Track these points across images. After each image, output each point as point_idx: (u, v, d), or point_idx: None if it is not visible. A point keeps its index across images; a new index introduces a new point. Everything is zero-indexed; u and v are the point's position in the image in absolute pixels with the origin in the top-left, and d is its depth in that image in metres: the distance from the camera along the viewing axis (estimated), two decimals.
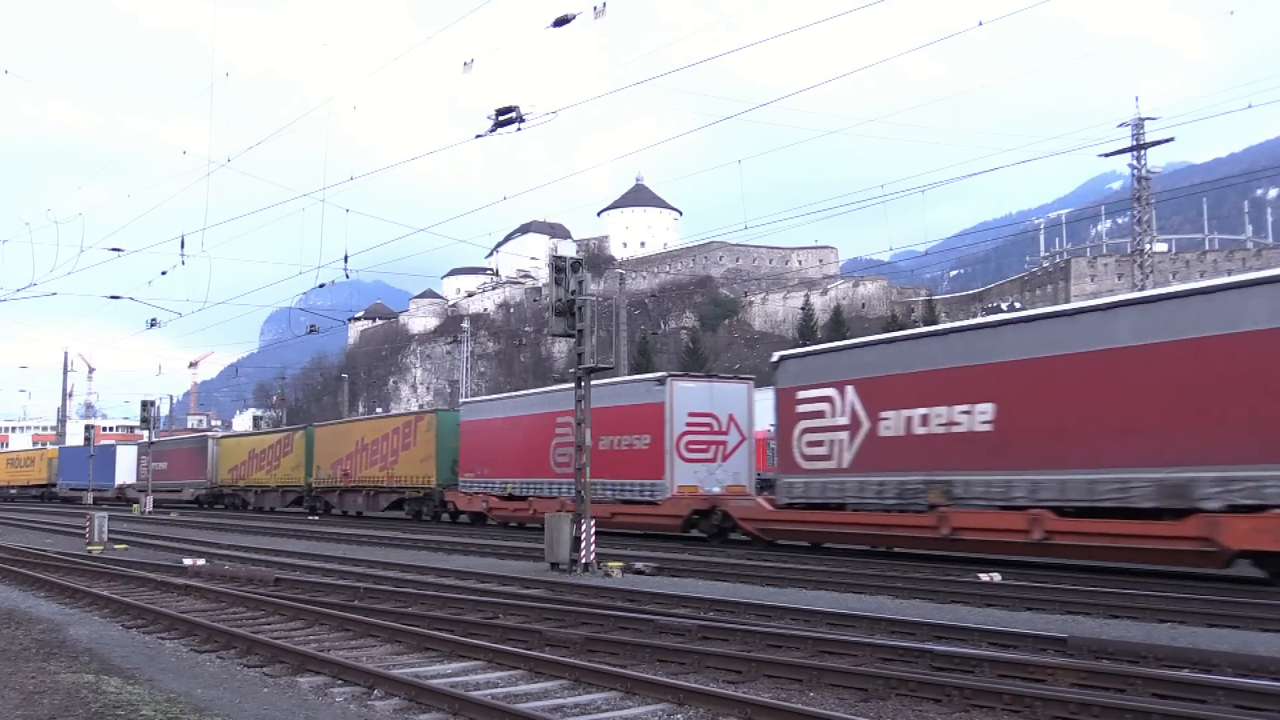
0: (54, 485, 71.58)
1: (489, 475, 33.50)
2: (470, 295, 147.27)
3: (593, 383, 28.38)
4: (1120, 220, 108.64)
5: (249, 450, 53.46)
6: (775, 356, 24.41)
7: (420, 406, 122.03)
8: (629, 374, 47.72)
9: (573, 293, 19.26)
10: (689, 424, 26.32)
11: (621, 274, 59.68)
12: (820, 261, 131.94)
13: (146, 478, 59.63)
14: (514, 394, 36.62)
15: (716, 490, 25.78)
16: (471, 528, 35.01)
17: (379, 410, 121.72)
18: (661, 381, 26.95)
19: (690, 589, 15.52)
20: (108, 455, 65.59)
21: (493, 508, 33.35)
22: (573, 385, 20.88)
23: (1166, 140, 46.73)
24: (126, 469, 64.38)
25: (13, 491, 78.38)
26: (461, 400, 40.21)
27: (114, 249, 29.46)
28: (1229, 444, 15.01)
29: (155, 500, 56.28)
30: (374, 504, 41.78)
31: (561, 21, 15.69)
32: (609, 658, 10.06)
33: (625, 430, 27.49)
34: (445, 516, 38.06)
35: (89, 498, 64.66)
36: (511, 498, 32.18)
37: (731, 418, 26.73)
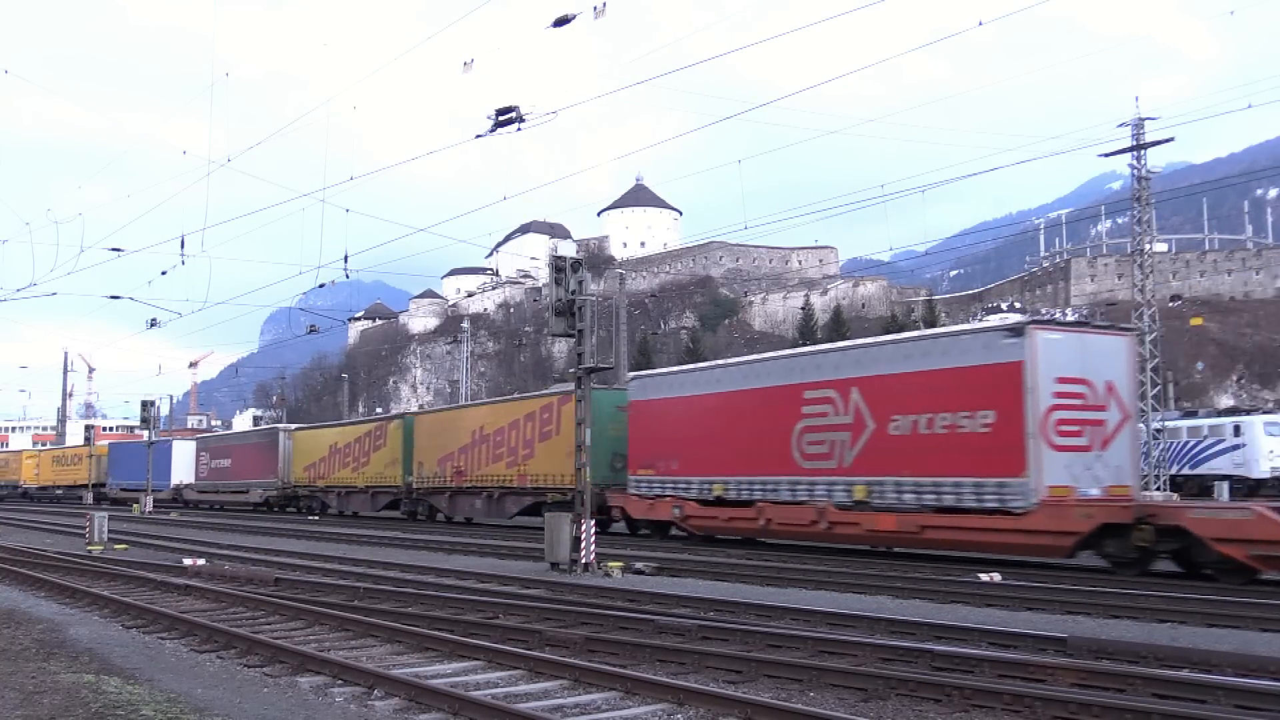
0: (103, 485, 65.25)
1: (682, 472, 25.43)
2: (470, 295, 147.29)
3: (882, 339, 22.02)
4: (1120, 220, 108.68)
5: (329, 444, 45.48)
6: None
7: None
8: (629, 374, 47.47)
9: (573, 293, 19.27)
10: (1057, 395, 18.39)
11: (621, 274, 59.65)
12: (820, 261, 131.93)
13: (207, 476, 55.47)
14: (726, 363, 26.80)
15: (1095, 493, 18.41)
16: (472, 528, 34.83)
17: (378, 410, 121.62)
18: (1018, 332, 18.88)
19: (690, 589, 15.52)
20: (163, 452, 59.73)
21: (691, 516, 25.30)
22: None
23: (1166, 140, 46.60)
24: (184, 467, 58.46)
25: (59, 491, 72.33)
26: (631, 375, 30.07)
27: (114, 249, 29.50)
28: None
29: (220, 503, 53.57)
30: (498, 509, 34.12)
31: (561, 21, 15.71)
32: (609, 658, 10.06)
33: (942, 405, 19.41)
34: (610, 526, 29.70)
35: (88, 497, 64.04)
36: (721, 502, 24.50)
37: (1110, 387, 18.97)
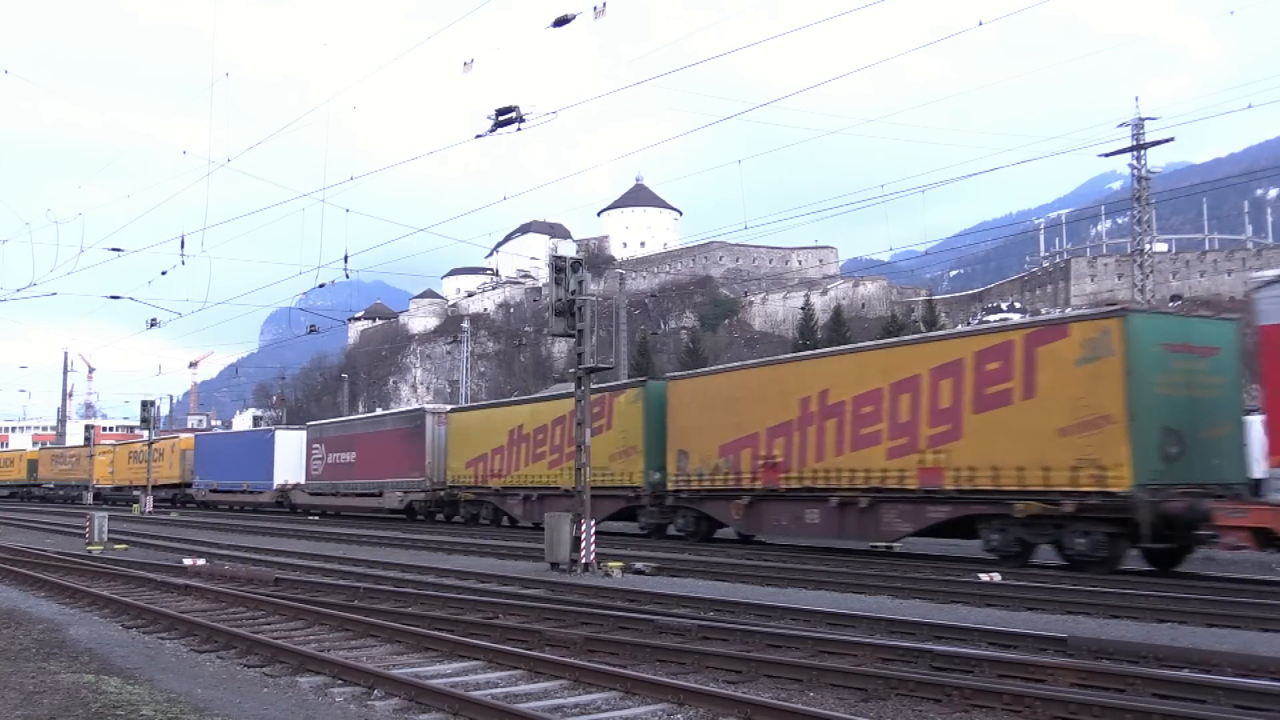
0: (189, 485, 56.13)
1: None
2: (470, 295, 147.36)
3: None
4: (1120, 220, 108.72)
5: (510, 429, 32.79)
6: None
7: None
8: (629, 375, 47.53)
9: (573, 293, 19.27)
10: None
11: (621, 274, 59.67)
12: (820, 261, 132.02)
13: (322, 474, 45.03)
14: None
15: None
16: (471, 527, 34.66)
17: (377, 410, 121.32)
18: None
19: (690, 589, 15.52)
20: (262, 446, 50.19)
21: None
22: None
23: (1166, 140, 46.86)
24: (290, 463, 47.92)
25: (137, 493, 61.91)
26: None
27: (114, 249, 29.53)
28: None
29: (341, 509, 43.80)
30: (867, 525, 21.15)
31: (561, 21, 15.72)
32: (609, 658, 10.06)
33: None
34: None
35: (88, 496, 63.12)
36: None
37: None
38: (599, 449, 26.13)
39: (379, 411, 51.61)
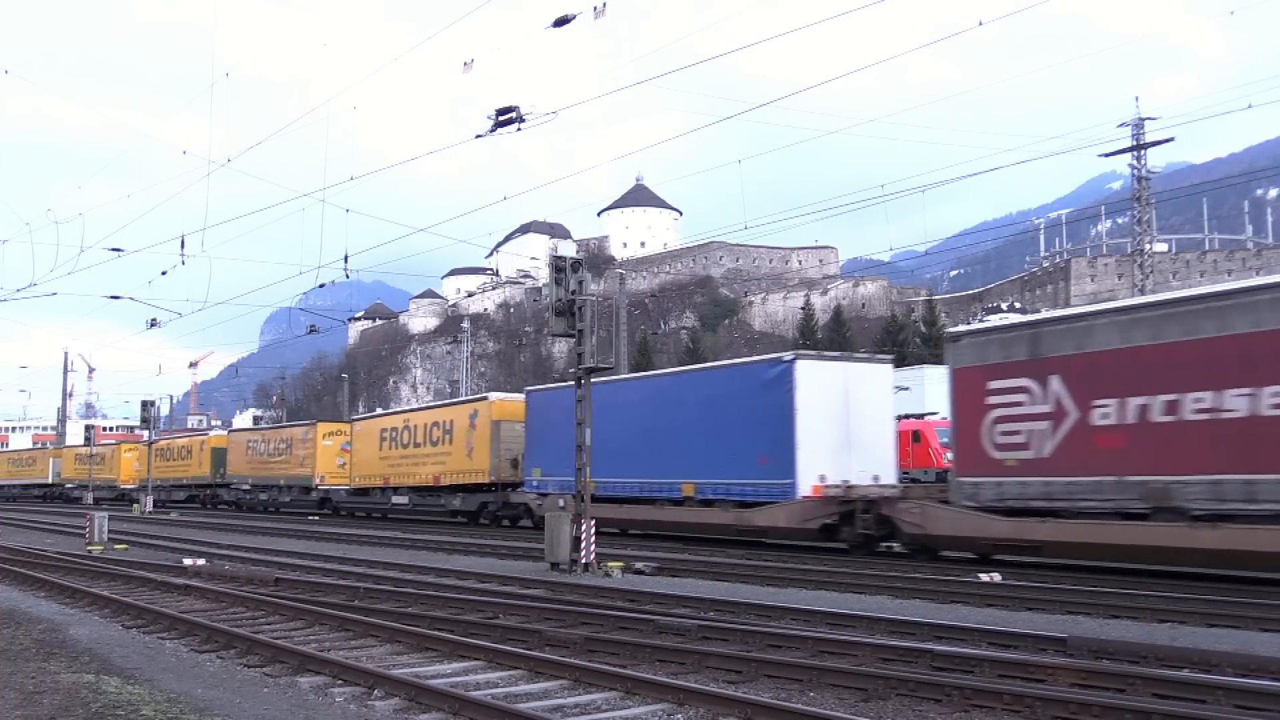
0: (510, 487, 32.14)
1: None
2: (470, 295, 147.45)
3: None
4: (1120, 220, 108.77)
5: None
6: None
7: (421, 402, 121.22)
8: (628, 374, 47.56)
9: (573, 293, 19.26)
10: None
11: (621, 274, 59.66)
12: (820, 261, 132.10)
13: (1054, 461, 16.98)
14: None
15: None
16: (470, 526, 34.52)
17: (377, 409, 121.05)
18: None
19: (690, 589, 15.51)
20: (751, 396, 23.20)
21: None
22: None
23: (1166, 140, 46.84)
24: (827, 436, 22.13)
25: (401, 500, 38.74)
26: None
27: (114, 249, 29.48)
28: None
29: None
30: None
31: (561, 21, 15.70)
32: (609, 658, 10.06)
33: None
34: None
35: (85, 492, 62.46)
36: None
37: None
38: None
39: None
